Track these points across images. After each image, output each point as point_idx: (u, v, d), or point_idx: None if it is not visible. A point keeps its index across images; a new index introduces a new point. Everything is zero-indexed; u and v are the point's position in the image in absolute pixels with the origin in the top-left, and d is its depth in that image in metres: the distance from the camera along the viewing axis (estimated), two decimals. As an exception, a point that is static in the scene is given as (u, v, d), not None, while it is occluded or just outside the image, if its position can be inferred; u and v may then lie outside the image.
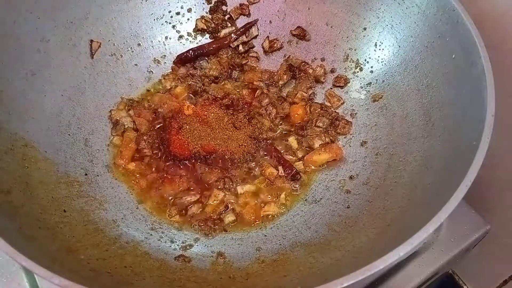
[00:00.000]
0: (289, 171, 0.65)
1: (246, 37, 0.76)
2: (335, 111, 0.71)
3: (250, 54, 0.77)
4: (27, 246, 0.43)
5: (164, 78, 0.74)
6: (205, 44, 0.76)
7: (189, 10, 0.76)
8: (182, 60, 0.75)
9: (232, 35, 0.75)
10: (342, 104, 0.71)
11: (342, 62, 0.72)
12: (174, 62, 0.75)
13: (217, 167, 0.66)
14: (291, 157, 0.68)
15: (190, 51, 0.75)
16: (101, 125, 0.68)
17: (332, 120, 0.69)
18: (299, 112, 0.71)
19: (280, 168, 0.66)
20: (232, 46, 0.76)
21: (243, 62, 0.76)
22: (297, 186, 0.65)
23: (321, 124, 0.69)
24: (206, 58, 0.76)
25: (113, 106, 0.70)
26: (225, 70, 0.75)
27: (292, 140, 0.69)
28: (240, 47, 0.76)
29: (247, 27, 0.75)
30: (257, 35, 0.76)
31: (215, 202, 0.63)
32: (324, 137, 0.68)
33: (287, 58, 0.76)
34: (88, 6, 0.67)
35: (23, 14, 0.59)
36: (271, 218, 0.62)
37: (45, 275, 0.40)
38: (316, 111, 0.71)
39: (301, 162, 0.67)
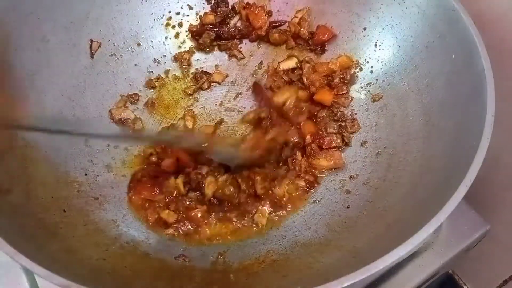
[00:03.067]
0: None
1: None
2: (340, 111, 0.70)
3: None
4: (27, 246, 0.43)
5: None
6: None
7: (190, 9, 0.76)
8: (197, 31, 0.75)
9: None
10: (351, 100, 0.70)
11: (342, 62, 0.72)
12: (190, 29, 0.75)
13: None
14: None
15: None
16: (101, 125, 0.68)
17: (339, 121, 0.69)
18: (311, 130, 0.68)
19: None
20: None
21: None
22: None
23: (332, 130, 0.68)
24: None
25: (113, 106, 0.70)
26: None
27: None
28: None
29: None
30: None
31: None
32: (336, 138, 0.67)
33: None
34: (88, 6, 0.67)
35: (23, 14, 0.59)
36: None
37: (45, 275, 0.40)
38: (322, 115, 0.69)
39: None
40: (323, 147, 0.66)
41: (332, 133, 0.67)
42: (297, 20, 0.74)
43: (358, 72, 0.71)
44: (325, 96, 0.69)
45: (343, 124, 0.68)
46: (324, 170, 0.66)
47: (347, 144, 0.67)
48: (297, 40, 0.75)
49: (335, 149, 0.66)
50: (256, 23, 0.74)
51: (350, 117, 0.69)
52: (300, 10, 0.74)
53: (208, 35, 0.74)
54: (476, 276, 0.83)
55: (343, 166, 0.65)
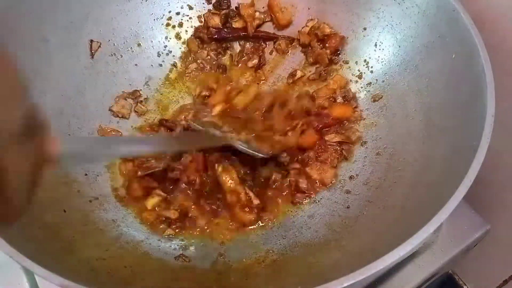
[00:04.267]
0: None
1: None
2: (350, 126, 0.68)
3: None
4: (27, 246, 0.43)
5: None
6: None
7: (190, 9, 0.76)
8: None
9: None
10: (360, 114, 0.69)
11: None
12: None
13: None
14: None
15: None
16: (101, 125, 0.68)
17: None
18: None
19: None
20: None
21: None
22: None
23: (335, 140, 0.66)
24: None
25: (112, 103, 0.70)
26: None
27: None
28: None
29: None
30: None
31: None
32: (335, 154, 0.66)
33: None
34: (88, 6, 0.67)
35: (23, 14, 0.59)
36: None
37: (45, 275, 0.40)
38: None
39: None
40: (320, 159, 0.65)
41: (332, 146, 0.65)
42: (307, 29, 0.73)
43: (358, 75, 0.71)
44: (345, 110, 0.68)
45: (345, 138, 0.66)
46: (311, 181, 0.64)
47: (346, 158, 0.65)
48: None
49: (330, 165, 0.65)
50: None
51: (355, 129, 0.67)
52: (311, 20, 0.73)
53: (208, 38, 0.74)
54: (476, 276, 0.83)
55: (329, 185, 0.64)
